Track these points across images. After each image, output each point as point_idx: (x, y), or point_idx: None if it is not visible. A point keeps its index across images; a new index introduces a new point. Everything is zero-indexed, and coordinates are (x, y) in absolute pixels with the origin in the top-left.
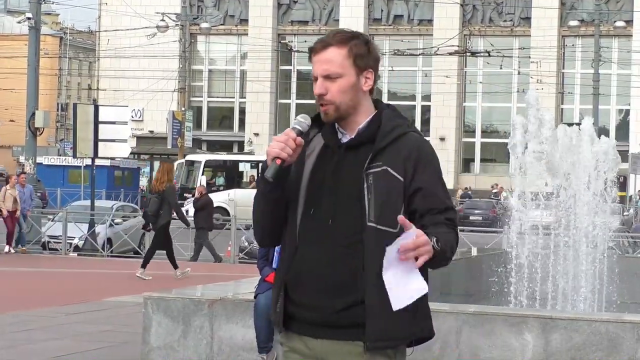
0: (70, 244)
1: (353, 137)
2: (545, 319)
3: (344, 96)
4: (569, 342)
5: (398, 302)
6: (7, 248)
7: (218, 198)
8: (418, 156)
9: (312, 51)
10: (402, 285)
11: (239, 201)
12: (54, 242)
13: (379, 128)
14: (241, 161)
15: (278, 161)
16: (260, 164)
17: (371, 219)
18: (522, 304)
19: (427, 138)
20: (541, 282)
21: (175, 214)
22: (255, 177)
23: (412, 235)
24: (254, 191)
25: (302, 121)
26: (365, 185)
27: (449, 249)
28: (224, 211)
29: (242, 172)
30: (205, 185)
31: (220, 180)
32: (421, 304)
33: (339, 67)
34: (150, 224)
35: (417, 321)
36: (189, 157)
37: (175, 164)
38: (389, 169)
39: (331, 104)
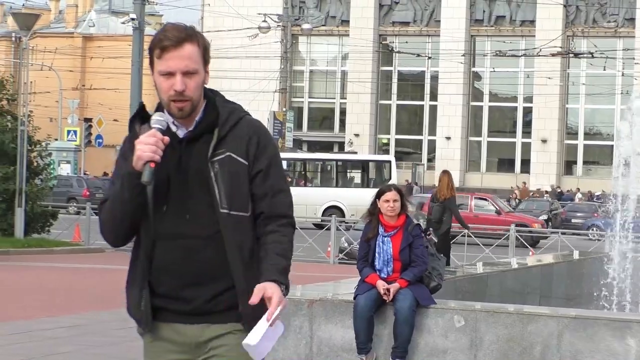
0: None
1: (192, 129)
2: None
3: (198, 92)
4: None
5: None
6: None
7: None
8: (258, 139)
9: (164, 48)
10: (271, 340)
11: None
12: None
13: (217, 116)
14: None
15: (152, 164)
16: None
17: (224, 206)
18: (625, 309)
19: (528, 140)
20: None
21: (456, 220)
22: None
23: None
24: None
25: (161, 119)
26: (212, 174)
27: (288, 257)
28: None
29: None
30: None
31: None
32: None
33: (196, 63)
34: (431, 230)
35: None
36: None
37: None
38: (232, 154)
39: (189, 100)
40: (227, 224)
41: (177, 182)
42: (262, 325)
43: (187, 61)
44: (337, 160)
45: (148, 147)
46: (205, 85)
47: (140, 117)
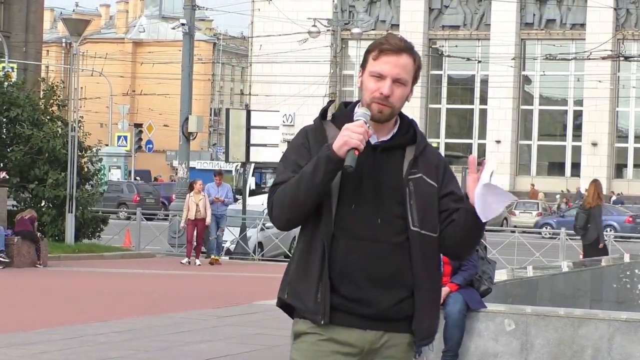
0: (223, 247)
1: (387, 139)
2: None
3: (401, 103)
4: None
5: (489, 211)
6: (185, 260)
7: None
8: (445, 167)
9: (383, 50)
10: (496, 195)
11: None
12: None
13: (413, 135)
14: None
15: (356, 152)
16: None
17: (415, 224)
18: None
19: (578, 143)
20: None
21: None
22: None
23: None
24: None
25: (366, 113)
26: (407, 191)
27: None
28: None
29: None
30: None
31: (271, 182)
32: (438, 302)
33: (407, 75)
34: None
35: (436, 318)
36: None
37: (233, 167)
38: (424, 176)
39: (391, 107)
40: (416, 241)
41: (370, 186)
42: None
43: (400, 69)
44: None
45: (356, 135)
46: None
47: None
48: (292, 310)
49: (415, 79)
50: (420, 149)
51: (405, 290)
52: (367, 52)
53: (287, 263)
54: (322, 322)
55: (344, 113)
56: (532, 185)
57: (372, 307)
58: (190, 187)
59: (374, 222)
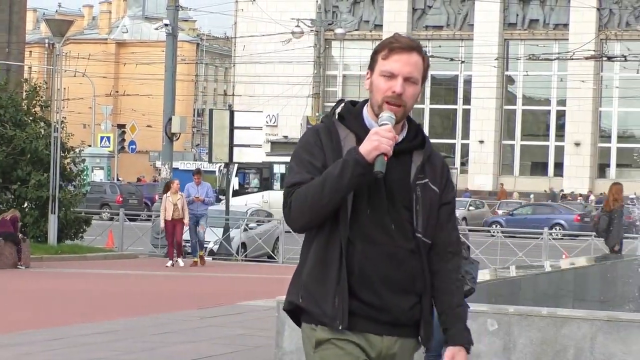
0: (205, 248)
1: (397, 143)
2: None
3: (412, 102)
4: None
5: None
6: (169, 263)
7: (253, 200)
8: (447, 174)
9: (393, 49)
10: None
11: (272, 203)
12: (189, 246)
13: (422, 140)
14: (276, 163)
15: (386, 158)
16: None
17: (419, 230)
18: None
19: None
20: None
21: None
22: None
23: None
24: None
25: (392, 117)
26: (414, 196)
27: (466, 315)
28: None
29: (275, 174)
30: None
31: (255, 182)
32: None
33: (418, 74)
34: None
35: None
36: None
37: (216, 168)
38: (429, 182)
39: (403, 106)
40: (422, 247)
41: (382, 191)
42: None
43: (411, 67)
44: None
45: (386, 140)
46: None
47: (344, 121)
48: (299, 316)
49: (424, 79)
50: (427, 154)
51: (415, 295)
52: (376, 53)
53: (270, 263)
54: (340, 328)
55: (351, 112)
56: (502, 184)
57: (390, 313)
58: (167, 188)
59: (388, 227)
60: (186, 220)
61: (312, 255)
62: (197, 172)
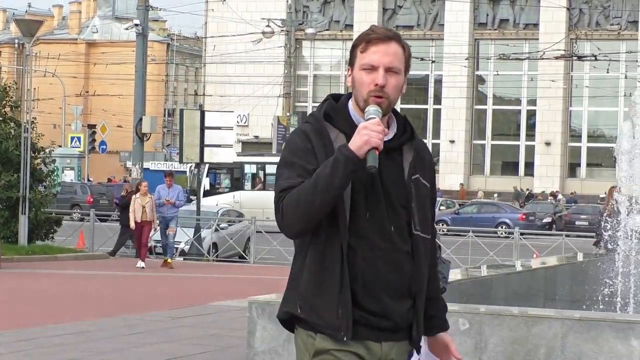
0: (177, 248)
1: (389, 140)
2: None
3: (397, 93)
4: None
5: None
6: (140, 264)
7: (224, 200)
8: (432, 164)
9: (370, 41)
10: None
11: (244, 203)
12: (160, 246)
13: (412, 135)
14: (247, 163)
15: (377, 152)
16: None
17: (417, 228)
18: (629, 310)
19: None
20: None
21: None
22: (261, 179)
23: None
24: (259, 193)
25: (378, 111)
26: (411, 193)
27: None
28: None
29: (246, 175)
30: (208, 187)
31: (226, 183)
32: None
33: (400, 63)
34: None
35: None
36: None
37: (187, 168)
38: (420, 177)
39: (386, 98)
40: (419, 245)
41: (380, 192)
42: None
43: (391, 57)
44: None
45: (376, 134)
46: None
47: (330, 120)
48: (293, 324)
49: (406, 68)
50: (418, 148)
51: (409, 298)
52: (354, 47)
53: (242, 264)
54: (345, 339)
55: (337, 111)
56: (462, 184)
57: (390, 320)
58: (136, 189)
59: (388, 230)
60: (155, 224)
61: (309, 263)
62: (169, 174)
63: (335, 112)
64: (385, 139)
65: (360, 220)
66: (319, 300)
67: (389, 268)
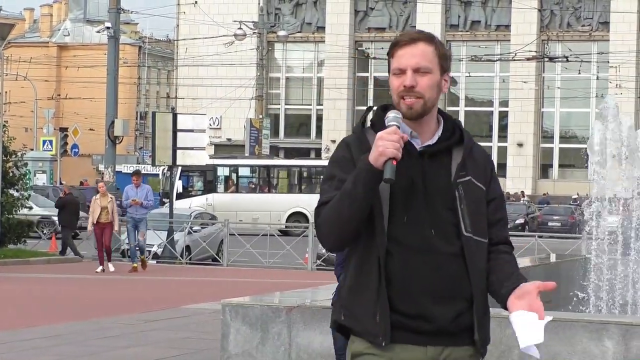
0: (149, 251)
1: (433, 143)
2: (625, 326)
3: (432, 92)
4: None
5: (525, 341)
6: (99, 268)
7: (196, 202)
8: (491, 167)
9: (397, 45)
10: (530, 326)
11: (217, 206)
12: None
13: (460, 137)
14: (219, 166)
15: (394, 162)
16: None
17: (468, 230)
18: (602, 311)
19: (504, 144)
20: (621, 288)
21: None
22: (234, 181)
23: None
24: (232, 195)
25: (398, 117)
26: (457, 195)
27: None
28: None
29: (219, 177)
30: (181, 190)
31: (199, 185)
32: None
33: (429, 62)
34: None
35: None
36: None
37: (160, 171)
38: (473, 179)
39: (420, 97)
40: (471, 248)
41: (421, 195)
42: (535, 323)
43: (418, 58)
44: (301, 167)
45: (391, 143)
46: (442, 92)
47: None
48: (348, 330)
49: (442, 67)
50: (468, 150)
51: (464, 301)
52: (388, 55)
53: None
54: (383, 344)
55: (382, 117)
56: None
57: (433, 323)
58: (96, 190)
59: (427, 233)
60: (116, 227)
61: (351, 271)
62: (136, 173)
63: (379, 117)
64: (430, 142)
65: (398, 224)
66: (358, 306)
67: (427, 271)
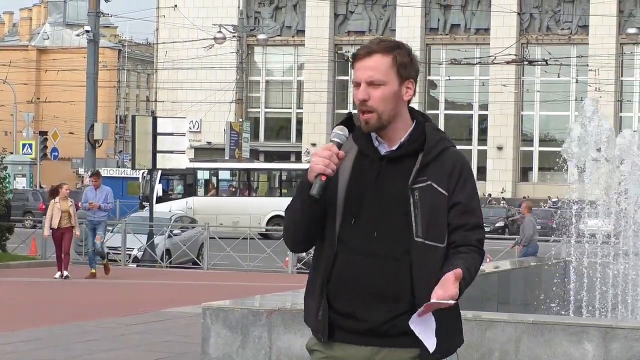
0: (129, 255)
1: (395, 149)
2: (605, 328)
3: (386, 104)
4: (630, 352)
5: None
6: (59, 274)
7: (177, 206)
8: (460, 172)
9: (356, 57)
10: (429, 327)
11: (197, 209)
12: (113, 253)
13: (424, 142)
14: (199, 169)
15: (323, 178)
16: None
17: (419, 234)
18: (582, 313)
19: (484, 147)
20: (601, 291)
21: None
22: (214, 185)
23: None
24: (213, 199)
25: (340, 134)
26: (411, 200)
27: (472, 277)
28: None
29: (199, 180)
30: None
31: (179, 189)
32: (458, 318)
33: (383, 75)
34: None
35: (457, 333)
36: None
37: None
38: (433, 184)
39: (373, 111)
40: (419, 252)
41: (372, 198)
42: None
43: (371, 72)
44: (281, 170)
45: (321, 160)
46: (406, 101)
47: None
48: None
49: (400, 75)
50: (432, 155)
51: (405, 304)
52: (350, 67)
53: (195, 270)
54: (322, 340)
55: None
56: None
57: (365, 323)
58: (55, 192)
59: (370, 236)
60: (77, 232)
61: (310, 270)
62: (95, 174)
63: (358, 126)
64: (392, 148)
65: (347, 227)
66: (308, 304)
67: (365, 272)
